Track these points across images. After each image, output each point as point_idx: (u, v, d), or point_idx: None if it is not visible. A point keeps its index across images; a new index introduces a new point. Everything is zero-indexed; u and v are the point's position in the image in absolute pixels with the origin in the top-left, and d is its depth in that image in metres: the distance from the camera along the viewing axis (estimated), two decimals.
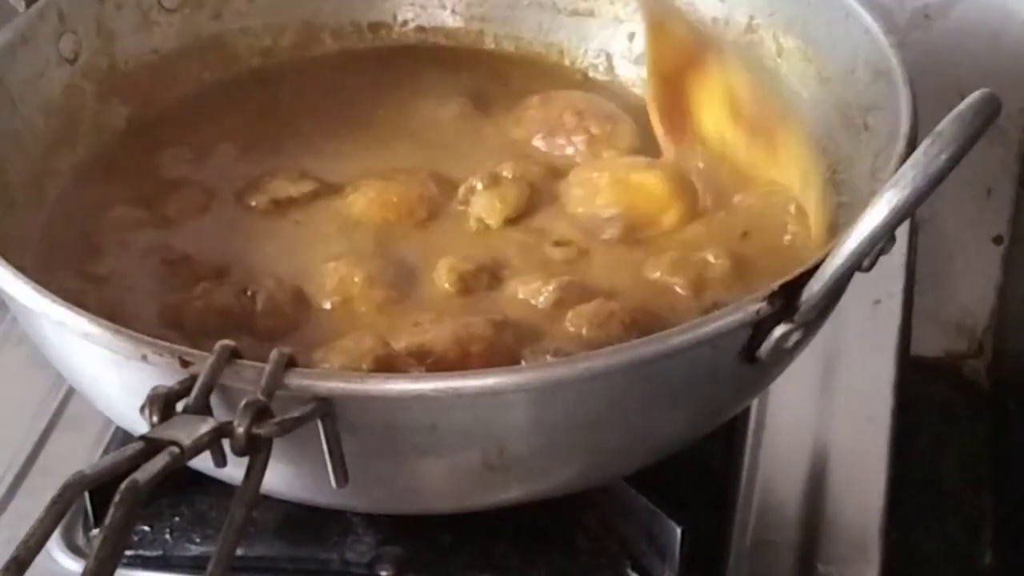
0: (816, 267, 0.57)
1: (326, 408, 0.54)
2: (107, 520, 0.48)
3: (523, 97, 0.82)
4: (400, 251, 0.72)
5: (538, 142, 0.79)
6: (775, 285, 0.57)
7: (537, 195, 0.75)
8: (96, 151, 0.79)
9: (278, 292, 0.68)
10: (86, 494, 0.64)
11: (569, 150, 0.78)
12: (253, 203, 0.75)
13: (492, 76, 0.86)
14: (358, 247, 0.72)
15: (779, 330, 0.58)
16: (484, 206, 0.73)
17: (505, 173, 0.75)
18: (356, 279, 0.69)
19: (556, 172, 0.76)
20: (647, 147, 0.78)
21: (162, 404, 0.53)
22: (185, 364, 0.55)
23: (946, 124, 0.53)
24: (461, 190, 0.75)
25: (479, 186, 0.74)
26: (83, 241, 0.73)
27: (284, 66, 0.87)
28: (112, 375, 0.59)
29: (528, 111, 0.80)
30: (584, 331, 0.65)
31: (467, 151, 0.79)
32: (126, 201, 0.76)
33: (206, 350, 0.55)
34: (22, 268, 0.61)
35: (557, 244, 0.72)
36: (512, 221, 0.73)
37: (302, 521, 0.70)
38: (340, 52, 0.88)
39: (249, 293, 0.68)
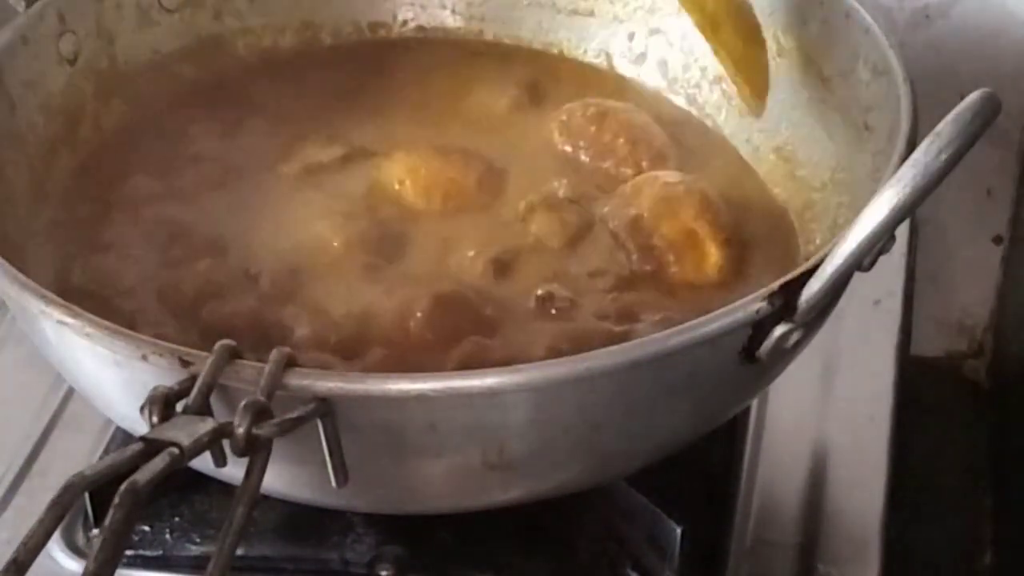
0: (816, 267, 0.57)
1: (326, 408, 0.54)
2: (107, 522, 0.48)
3: (568, 99, 0.82)
4: (407, 223, 0.73)
5: (584, 156, 0.78)
6: (775, 285, 0.57)
7: (589, 216, 0.74)
8: (96, 151, 0.79)
9: (277, 268, 0.69)
10: (86, 494, 0.64)
11: (612, 170, 0.77)
12: (282, 172, 0.76)
13: (543, 72, 0.86)
14: (353, 211, 0.73)
15: (779, 330, 0.58)
16: (545, 228, 0.73)
17: (562, 193, 0.75)
18: (335, 243, 0.70)
19: (604, 190, 0.76)
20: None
21: (162, 404, 0.53)
22: (185, 364, 0.55)
23: (946, 124, 0.53)
24: (522, 205, 0.74)
25: (537, 205, 0.74)
26: (90, 213, 0.74)
27: (324, 52, 0.88)
28: (112, 375, 0.59)
29: (576, 120, 0.80)
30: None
31: (510, 149, 0.79)
32: (142, 172, 0.76)
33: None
34: (22, 266, 0.61)
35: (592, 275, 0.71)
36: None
37: (302, 521, 0.70)
38: (369, 42, 0.89)
39: (253, 272, 0.69)
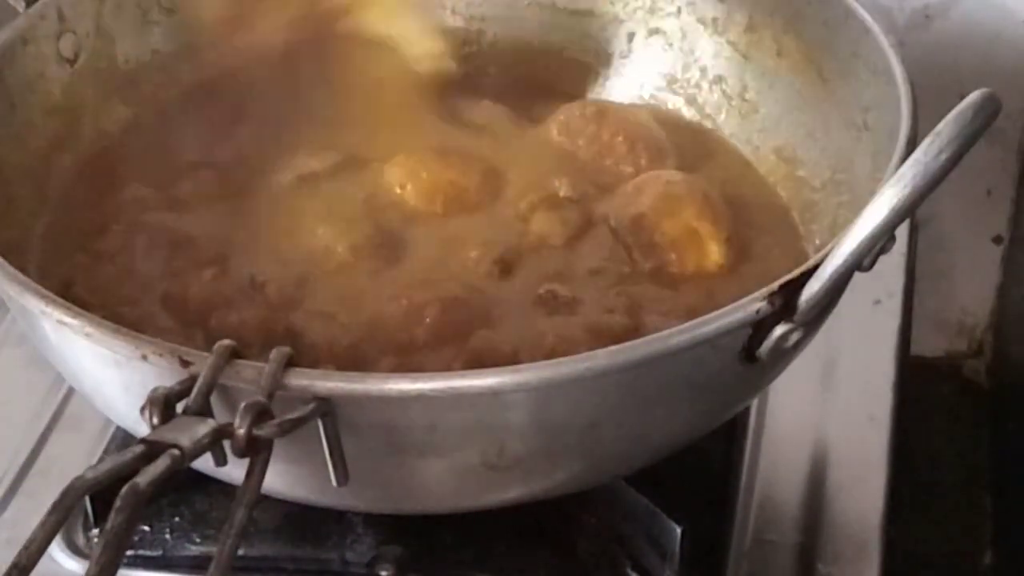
0: (816, 267, 0.57)
1: (326, 408, 0.54)
2: (108, 525, 0.48)
3: (567, 99, 0.82)
4: (409, 226, 0.73)
5: (583, 156, 0.78)
6: (775, 285, 0.57)
7: (590, 214, 0.74)
8: (96, 151, 0.79)
9: (283, 276, 0.69)
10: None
11: (612, 169, 0.77)
12: (279, 180, 0.76)
13: (543, 72, 0.86)
14: (357, 218, 0.73)
15: (779, 330, 0.58)
16: (546, 227, 0.73)
17: (562, 193, 0.75)
18: (340, 248, 0.70)
19: (603, 189, 0.76)
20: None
21: (162, 405, 0.53)
22: (185, 364, 0.55)
23: (946, 124, 0.53)
24: (522, 205, 0.74)
25: (538, 204, 0.74)
26: (90, 222, 0.74)
27: (323, 51, 0.87)
28: (112, 375, 0.59)
29: (574, 121, 0.80)
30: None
31: (509, 150, 0.79)
32: (138, 181, 0.76)
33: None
34: (23, 268, 0.61)
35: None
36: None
37: (302, 521, 0.70)
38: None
39: (259, 280, 0.69)
